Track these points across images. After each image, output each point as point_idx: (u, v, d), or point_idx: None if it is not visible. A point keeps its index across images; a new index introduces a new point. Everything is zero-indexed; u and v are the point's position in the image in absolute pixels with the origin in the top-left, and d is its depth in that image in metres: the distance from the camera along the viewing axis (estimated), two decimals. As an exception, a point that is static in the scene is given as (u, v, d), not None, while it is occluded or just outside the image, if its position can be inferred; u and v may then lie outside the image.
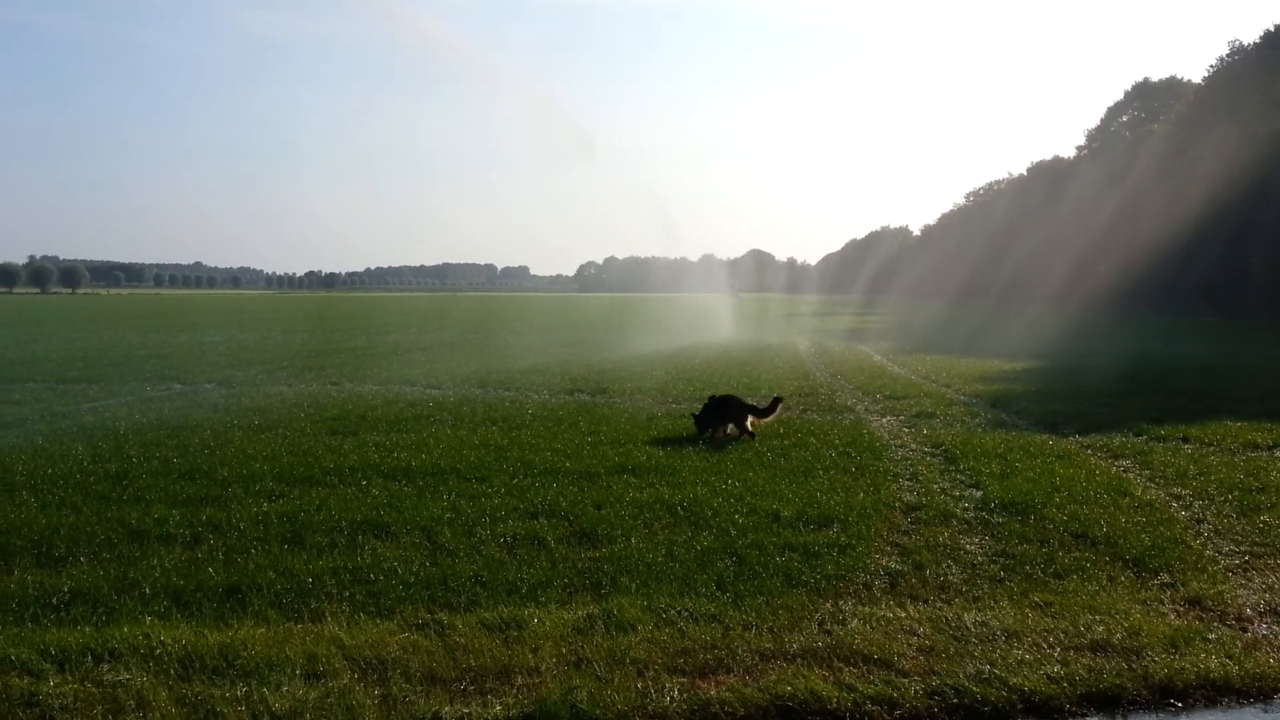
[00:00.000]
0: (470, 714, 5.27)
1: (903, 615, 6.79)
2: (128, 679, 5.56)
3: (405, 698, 5.45)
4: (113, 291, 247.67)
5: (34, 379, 22.56)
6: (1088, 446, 13.44)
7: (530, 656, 6.00)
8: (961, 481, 11.10)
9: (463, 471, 11.47)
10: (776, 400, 15.20)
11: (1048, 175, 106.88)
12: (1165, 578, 7.73)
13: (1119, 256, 67.40)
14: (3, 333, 45.04)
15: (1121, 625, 6.61)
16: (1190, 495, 10.44)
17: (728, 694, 5.53)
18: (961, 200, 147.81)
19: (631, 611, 6.73)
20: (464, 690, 5.58)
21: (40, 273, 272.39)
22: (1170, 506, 9.96)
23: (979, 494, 10.42)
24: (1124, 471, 11.78)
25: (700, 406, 14.74)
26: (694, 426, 14.25)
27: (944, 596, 7.25)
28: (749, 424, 14.17)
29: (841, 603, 7.04)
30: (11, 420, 15.79)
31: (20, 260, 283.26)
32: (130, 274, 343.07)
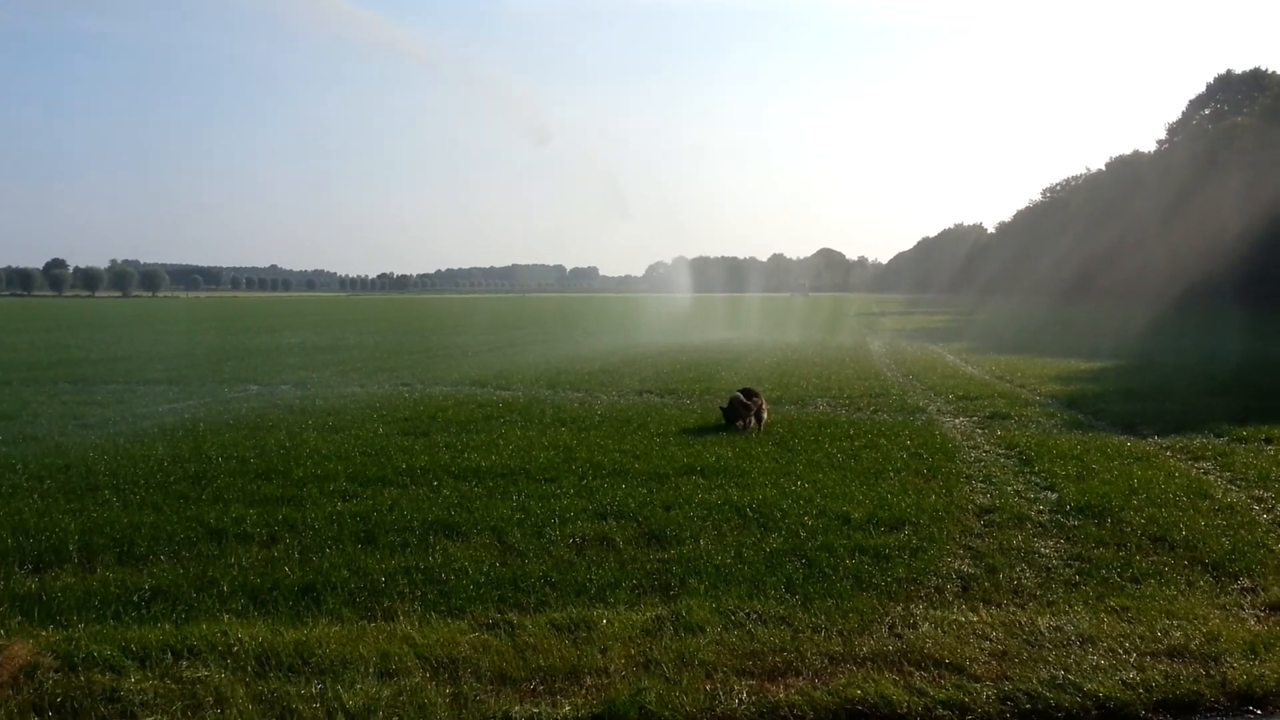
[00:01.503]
0: (540, 714, 5.31)
1: (975, 619, 6.68)
2: (206, 675, 5.69)
3: (476, 697, 5.50)
4: (191, 294, 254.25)
5: (115, 380, 23.23)
6: (1167, 448, 13.11)
7: (599, 657, 6.02)
8: (1036, 484, 10.90)
9: (532, 472, 11.54)
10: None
11: (1127, 170, 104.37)
12: (1245, 582, 7.52)
13: (1201, 252, 65.50)
14: (85, 335, 46.45)
15: (1200, 630, 6.44)
16: (1273, 498, 10.13)
17: (796, 697, 5.49)
18: (1038, 196, 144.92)
19: (700, 613, 6.71)
20: (533, 690, 5.62)
21: (122, 276, 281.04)
22: (1252, 509, 9.68)
23: (1054, 496, 10.22)
24: (1204, 474, 11.47)
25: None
26: (723, 419, 15.08)
27: (1017, 600, 7.12)
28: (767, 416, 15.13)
29: (912, 606, 6.95)
30: (94, 421, 16.27)
31: (103, 265, 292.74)
32: (208, 277, 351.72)
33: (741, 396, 15.26)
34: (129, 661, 5.87)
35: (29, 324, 62.79)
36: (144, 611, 6.88)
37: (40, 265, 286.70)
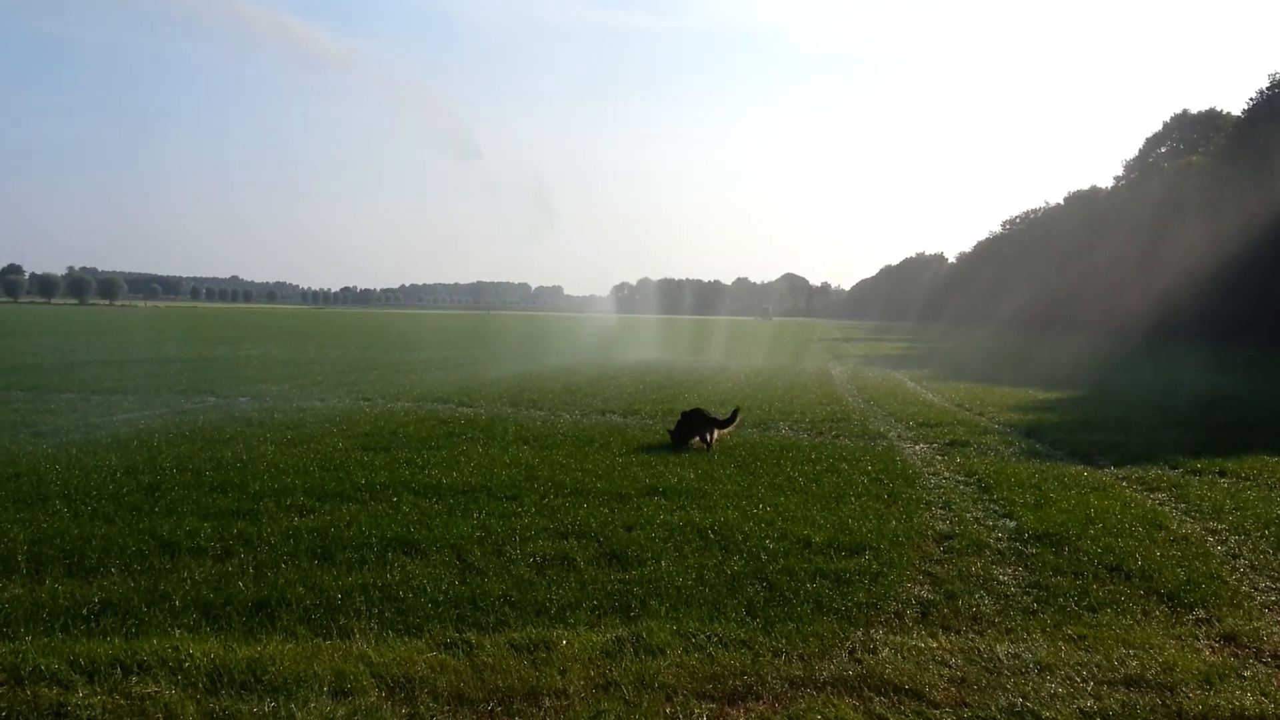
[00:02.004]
0: (497, 735, 5.25)
1: (934, 645, 6.70)
2: (156, 692, 5.57)
3: (432, 717, 5.43)
4: (150, 303, 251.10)
5: (70, 389, 22.82)
6: (1123, 478, 13.26)
7: (558, 678, 5.96)
8: (995, 511, 10.98)
9: (493, 490, 11.47)
10: (735, 411, 16.07)
11: (1085, 205, 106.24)
12: (1200, 613, 7.60)
13: (1157, 287, 66.77)
14: (41, 343, 45.67)
15: (1156, 660, 6.50)
16: (1226, 530, 10.26)
17: (756, 722, 5.47)
18: (998, 228, 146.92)
19: (661, 635, 6.68)
20: (491, 711, 5.56)
21: (79, 284, 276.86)
22: (1206, 541, 9.79)
23: (1013, 524, 10.30)
24: (1160, 504, 11.60)
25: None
26: (679, 442, 15.31)
27: (976, 627, 7.16)
28: (713, 436, 15.30)
29: (873, 631, 6.96)
30: (47, 430, 15.97)
31: (59, 271, 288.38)
32: (168, 286, 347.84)
33: (702, 414, 15.48)
34: (77, 676, 5.74)
35: (-19, 330, 61.62)
36: (93, 625, 6.73)
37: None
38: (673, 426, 15.76)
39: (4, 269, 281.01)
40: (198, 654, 6.08)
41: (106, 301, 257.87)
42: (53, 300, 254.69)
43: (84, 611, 6.98)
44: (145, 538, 8.93)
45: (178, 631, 6.61)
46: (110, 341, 49.06)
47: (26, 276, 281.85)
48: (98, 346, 43.52)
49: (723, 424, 15.55)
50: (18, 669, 5.78)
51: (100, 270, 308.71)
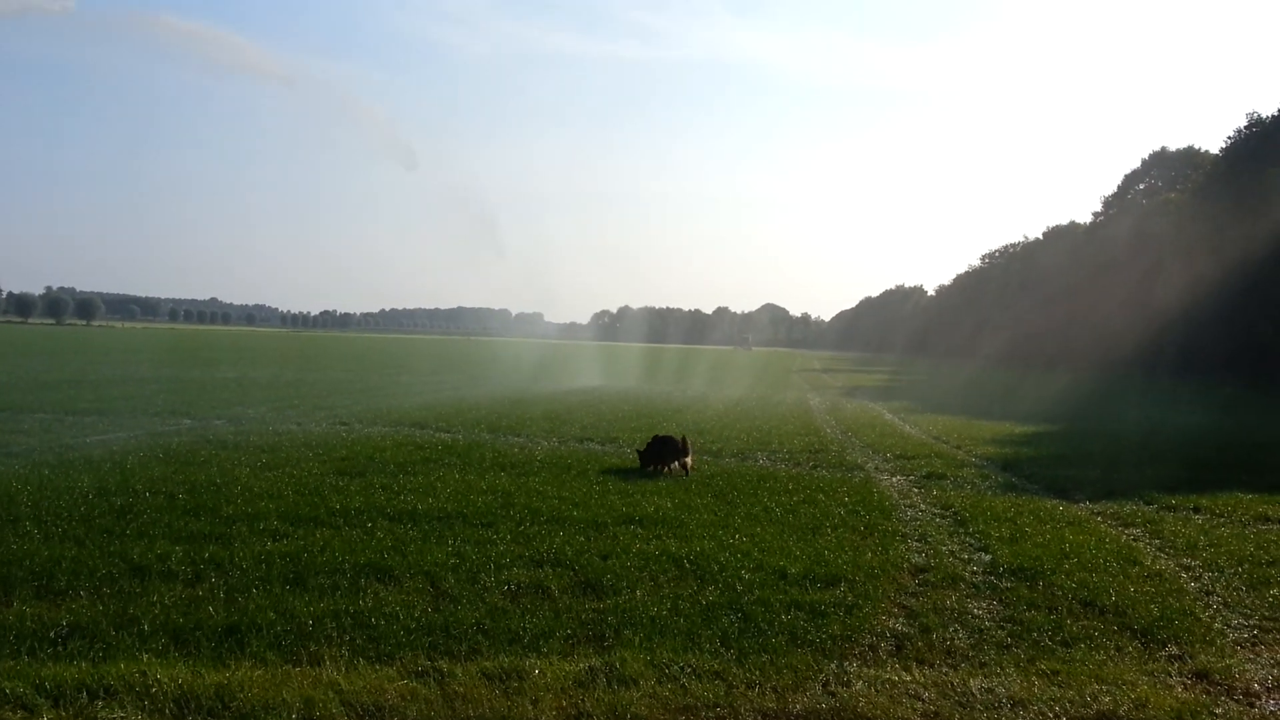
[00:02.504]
0: (466, 766, 5.19)
1: (908, 679, 6.69)
2: (122, 717, 5.51)
3: (401, 746, 5.37)
4: (127, 324, 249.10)
5: (44, 410, 22.62)
6: (1098, 513, 13.32)
7: (530, 708, 5.92)
8: (970, 544, 10.99)
9: (469, 517, 11.41)
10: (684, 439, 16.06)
11: (1063, 240, 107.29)
12: (1173, 649, 7.61)
13: (1135, 323, 67.39)
14: (15, 363, 45.29)
15: (1128, 696, 6.50)
16: (1200, 566, 10.30)
17: (729, 754, 5.43)
18: (976, 262, 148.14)
19: (634, 665, 6.64)
20: (461, 741, 5.51)
21: (56, 304, 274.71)
22: (1180, 577, 9.83)
23: (988, 558, 10.31)
24: (1134, 540, 11.65)
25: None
26: (646, 466, 15.72)
27: (950, 661, 7.15)
28: (687, 462, 15.63)
29: (846, 664, 6.95)
30: (19, 450, 15.82)
31: (37, 291, 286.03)
32: (146, 308, 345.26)
33: (677, 442, 15.76)
34: (42, 700, 5.66)
35: (-45, 348, 61.02)
36: (60, 648, 6.65)
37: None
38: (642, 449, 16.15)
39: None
40: (165, 679, 6.00)
41: (84, 322, 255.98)
42: (29, 320, 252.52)
43: (51, 634, 6.89)
44: (116, 561, 8.83)
45: (146, 656, 6.53)
46: (86, 362, 48.68)
47: (3, 295, 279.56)
48: (73, 367, 43.18)
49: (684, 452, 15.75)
50: (-19, 692, 5.69)
51: (78, 290, 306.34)
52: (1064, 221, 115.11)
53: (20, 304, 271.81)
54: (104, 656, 6.52)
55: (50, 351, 62.03)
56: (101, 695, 5.79)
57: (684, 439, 15.99)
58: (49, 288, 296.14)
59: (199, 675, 6.16)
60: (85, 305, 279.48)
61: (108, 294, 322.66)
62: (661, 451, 15.68)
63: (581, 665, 6.68)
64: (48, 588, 8.03)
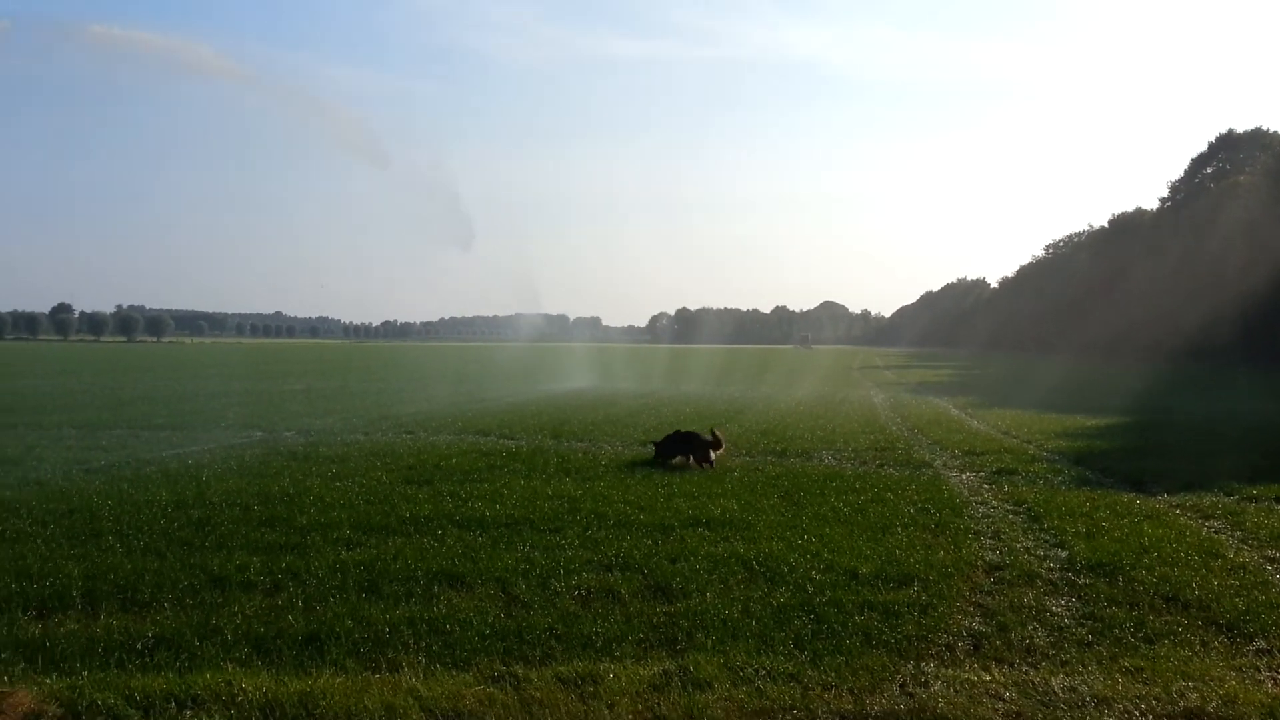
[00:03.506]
0: (547, 770, 5.22)
1: (987, 679, 6.60)
2: (210, 726, 5.61)
3: (481, 752, 5.42)
4: (196, 340, 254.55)
5: (120, 426, 23.19)
6: (1177, 506, 13.03)
7: (606, 713, 5.94)
8: (1046, 541, 10.81)
9: (536, 522, 11.48)
10: (719, 439, 16.86)
11: (1130, 227, 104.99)
12: (1261, 644, 7.43)
13: (1206, 310, 65.66)
14: (90, 381, 46.49)
15: (1217, 693, 6.36)
16: (1287, 558, 10.03)
17: (808, 757, 5.40)
18: (1040, 252, 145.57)
19: (708, 669, 6.64)
20: (540, 746, 5.54)
21: (127, 321, 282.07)
22: (1265, 570, 9.58)
23: (1064, 554, 10.14)
24: (1215, 532, 11.37)
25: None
26: (662, 458, 16.62)
27: (1030, 660, 7.04)
28: (711, 456, 16.29)
29: (923, 664, 6.87)
30: (99, 466, 16.22)
31: (108, 309, 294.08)
32: (213, 323, 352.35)
33: (694, 436, 16.71)
34: (133, 711, 5.80)
35: (34, 368, 62.89)
36: (148, 659, 6.81)
37: (46, 309, 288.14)
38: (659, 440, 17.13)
39: (55, 308, 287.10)
40: (250, 688, 6.12)
41: (154, 338, 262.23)
42: (102, 338, 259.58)
43: (138, 646, 7.06)
44: (196, 572, 9.03)
45: (230, 665, 6.67)
46: (158, 378, 49.84)
47: (76, 315, 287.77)
48: (146, 383, 44.22)
49: (717, 445, 16.57)
50: (75, 704, 5.85)
51: (148, 308, 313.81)
52: (1130, 208, 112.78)
53: (93, 323, 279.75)
54: (189, 666, 6.67)
55: (123, 369, 63.61)
56: (189, 705, 5.92)
57: (715, 434, 16.79)
58: (119, 306, 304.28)
59: (282, 683, 6.27)
60: (155, 322, 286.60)
61: (176, 310, 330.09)
62: (677, 445, 16.59)
63: (655, 669, 6.69)
64: (132, 600, 8.23)
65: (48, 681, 6.28)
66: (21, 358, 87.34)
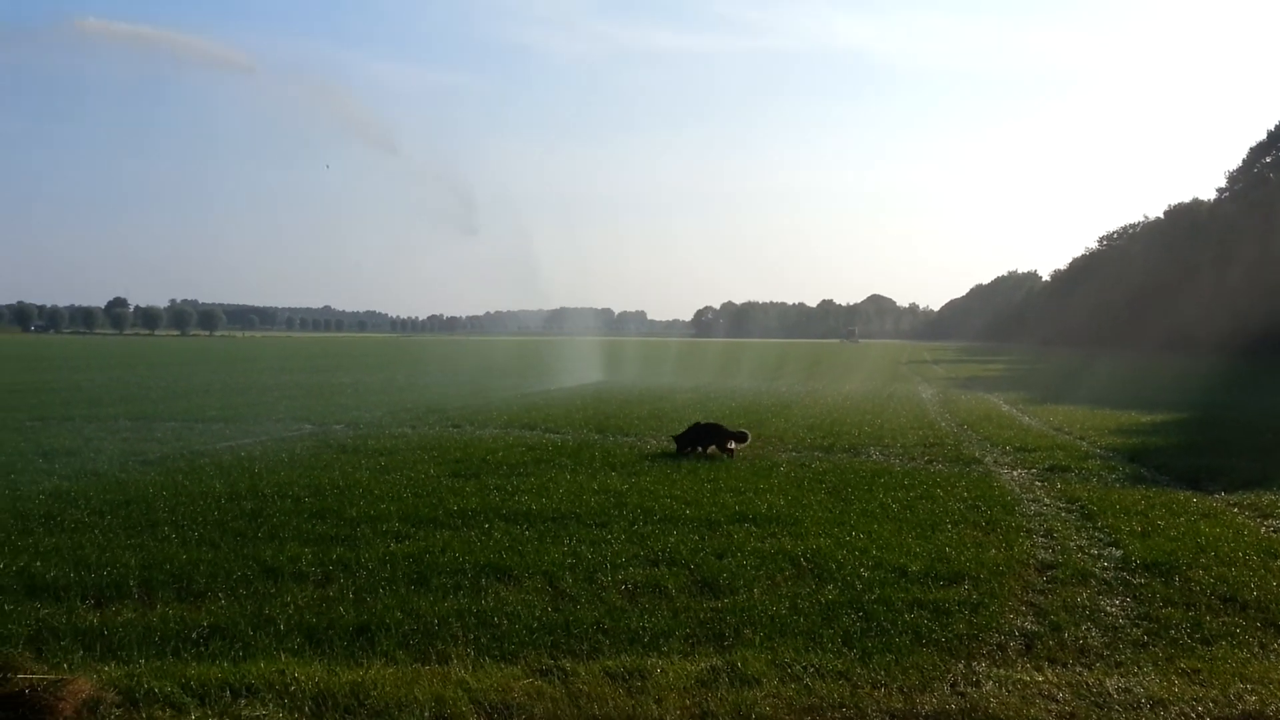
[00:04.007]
0: (595, 765, 5.23)
1: (1040, 679, 6.51)
2: (264, 715, 5.70)
3: (530, 745, 5.44)
4: (247, 334, 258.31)
5: (174, 418, 23.59)
6: (1234, 504, 12.77)
7: (654, 707, 5.93)
8: (1100, 539, 10.65)
9: (583, 517, 11.51)
10: (743, 433, 17.89)
11: (1186, 218, 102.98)
12: (1323, 647, 7.25)
13: (1265, 303, 64.25)
14: (145, 374, 47.34)
15: (1277, 695, 6.24)
16: (1350, 559, 9.78)
17: (858, 755, 5.36)
18: (1094, 244, 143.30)
19: (756, 665, 6.61)
20: (588, 740, 5.55)
21: (180, 316, 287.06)
22: (1327, 571, 9.36)
23: (1118, 553, 9.98)
24: (1275, 532, 11.15)
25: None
26: (682, 450, 17.30)
27: (1084, 660, 6.94)
28: (730, 447, 17.09)
29: (974, 664, 6.79)
30: (154, 458, 16.50)
31: (162, 304, 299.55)
32: (264, 317, 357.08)
33: (714, 428, 17.49)
34: (189, 699, 5.89)
35: (91, 361, 64.15)
36: (203, 648, 6.92)
37: (102, 304, 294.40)
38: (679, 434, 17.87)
39: (110, 302, 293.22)
40: (303, 678, 6.20)
41: (207, 332, 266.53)
42: (156, 332, 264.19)
43: (194, 635, 7.18)
44: (249, 563, 9.16)
45: (283, 655, 6.76)
46: (211, 372, 50.65)
47: (131, 309, 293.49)
48: (199, 377, 44.95)
49: (740, 438, 17.45)
50: (132, 692, 5.95)
51: (200, 302, 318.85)
52: (1186, 199, 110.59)
53: (147, 317, 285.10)
54: (244, 656, 6.77)
55: (177, 362, 64.71)
56: (244, 693, 6.01)
57: (743, 432, 17.81)
58: (173, 301, 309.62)
59: (334, 674, 6.34)
60: (207, 316, 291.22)
61: (228, 305, 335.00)
62: (700, 437, 17.31)
63: (703, 665, 6.67)
64: (187, 590, 8.37)
65: (106, 669, 6.40)
66: (78, 351, 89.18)
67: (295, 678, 6.19)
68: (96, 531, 10.50)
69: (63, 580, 8.50)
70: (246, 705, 5.84)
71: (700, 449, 17.25)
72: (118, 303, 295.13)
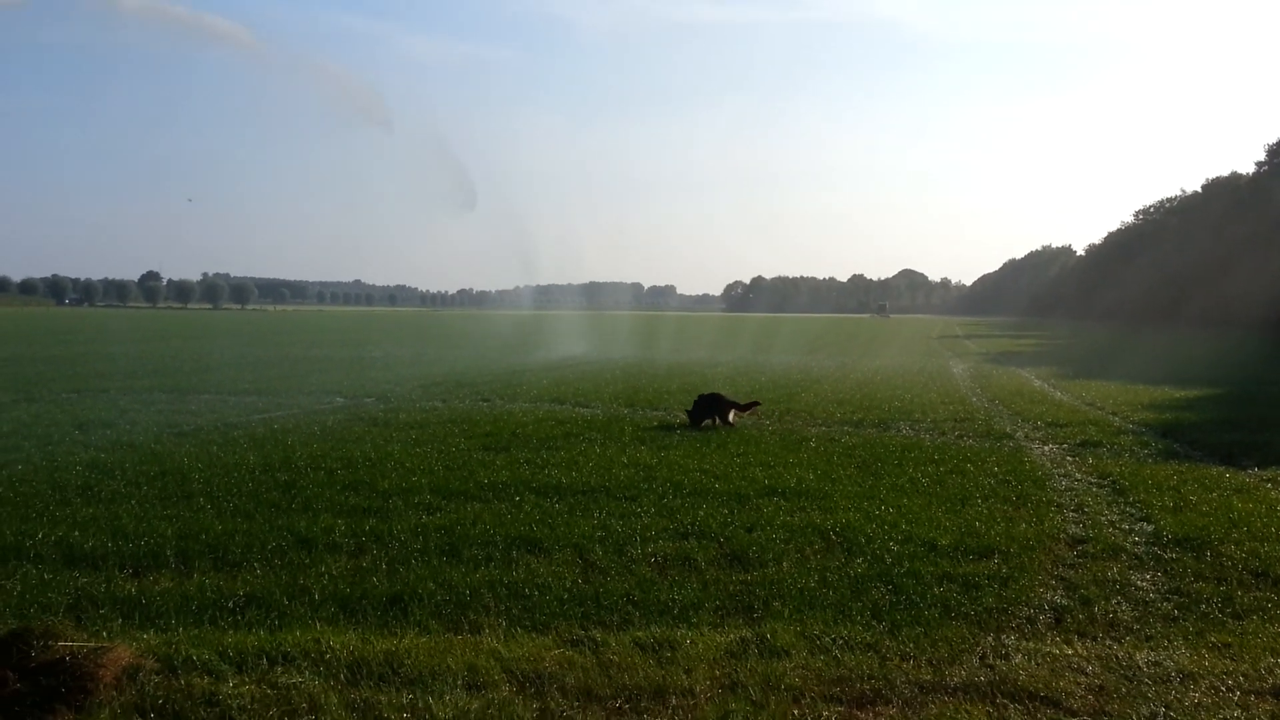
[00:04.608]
0: (626, 733, 5.30)
1: (1070, 652, 6.51)
2: (300, 682, 5.79)
3: (562, 713, 5.51)
4: (278, 307, 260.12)
5: (208, 390, 23.88)
6: (1268, 480, 12.65)
7: (684, 678, 5.98)
8: (1131, 514, 10.59)
9: (612, 490, 11.57)
10: (754, 403, 18.82)
11: (1224, 192, 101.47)
12: (1355, 621, 7.20)
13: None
14: (179, 346, 47.86)
15: (1310, 671, 6.18)
16: (1386, 536, 9.68)
17: (886, 726, 5.39)
18: (1130, 219, 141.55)
19: (785, 637, 6.65)
20: (619, 708, 5.61)
21: (213, 289, 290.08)
22: (1361, 546, 9.26)
23: (1150, 528, 9.93)
24: (1310, 508, 11.03)
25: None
26: (696, 423, 17.56)
27: (1114, 634, 6.92)
28: (730, 417, 17.63)
29: (1004, 637, 6.80)
30: (189, 429, 16.72)
31: (195, 277, 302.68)
32: (295, 291, 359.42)
33: (720, 399, 17.84)
34: (226, 666, 6.00)
35: (125, 334, 64.89)
36: (239, 617, 7.04)
37: (135, 277, 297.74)
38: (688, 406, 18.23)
39: (143, 275, 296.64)
40: (338, 646, 6.30)
41: (238, 306, 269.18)
42: (188, 305, 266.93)
43: (230, 604, 7.30)
44: (284, 533, 9.29)
45: (318, 624, 6.86)
46: (243, 344, 51.12)
47: (164, 283, 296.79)
48: (231, 349, 45.38)
49: (742, 408, 18.04)
50: (171, 659, 6.07)
51: (232, 276, 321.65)
52: (1224, 173, 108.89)
53: (180, 290, 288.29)
54: (279, 624, 6.88)
55: (209, 335, 65.35)
56: (280, 661, 6.11)
57: (752, 403, 18.60)
58: (205, 274, 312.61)
59: (368, 642, 6.44)
60: (239, 290, 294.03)
61: (260, 279, 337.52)
62: (707, 408, 17.64)
63: (732, 636, 6.72)
64: (223, 559, 8.50)
65: (144, 637, 6.52)
66: (113, 324, 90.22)
67: (330, 646, 6.29)
68: (133, 502, 10.67)
69: (101, 550, 8.66)
70: (283, 672, 5.94)
71: (711, 421, 17.52)
72: (151, 276, 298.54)
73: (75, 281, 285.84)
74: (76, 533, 9.19)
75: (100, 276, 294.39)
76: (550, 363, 36.76)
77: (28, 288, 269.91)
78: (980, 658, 6.40)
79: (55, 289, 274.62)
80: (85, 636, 6.19)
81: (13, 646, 5.78)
